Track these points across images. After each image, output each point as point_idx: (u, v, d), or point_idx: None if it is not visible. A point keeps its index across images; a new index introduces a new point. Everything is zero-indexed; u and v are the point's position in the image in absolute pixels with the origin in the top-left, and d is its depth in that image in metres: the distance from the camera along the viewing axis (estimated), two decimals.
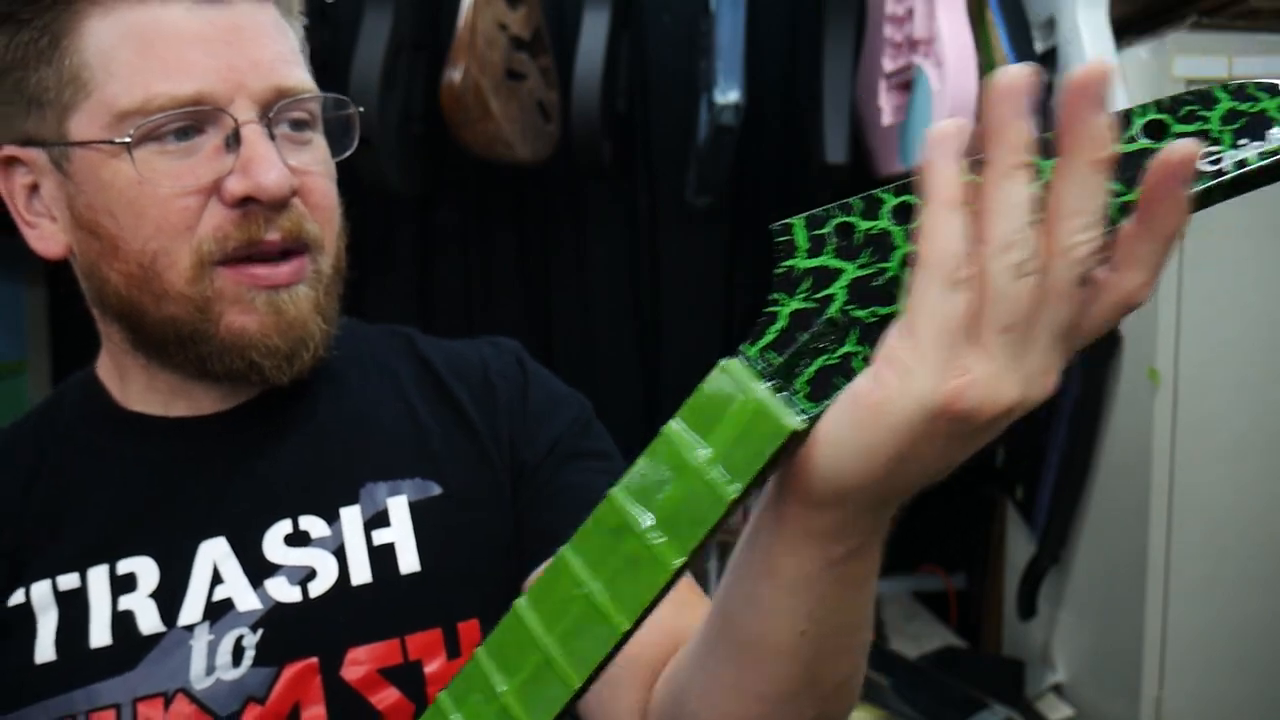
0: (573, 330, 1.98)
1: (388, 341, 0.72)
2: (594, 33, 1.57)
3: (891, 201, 0.39)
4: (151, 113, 0.54)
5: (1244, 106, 0.37)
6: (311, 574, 0.61)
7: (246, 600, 0.59)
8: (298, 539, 0.61)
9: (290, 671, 0.58)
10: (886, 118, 1.62)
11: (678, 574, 0.39)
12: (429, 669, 0.60)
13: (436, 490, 0.63)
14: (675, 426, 0.39)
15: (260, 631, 0.59)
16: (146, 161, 0.55)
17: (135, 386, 0.65)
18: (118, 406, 0.65)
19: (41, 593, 0.59)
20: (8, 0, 0.56)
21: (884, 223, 0.39)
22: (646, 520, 0.39)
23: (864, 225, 0.39)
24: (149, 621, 0.59)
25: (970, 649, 1.86)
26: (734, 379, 0.39)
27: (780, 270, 0.40)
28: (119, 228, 0.57)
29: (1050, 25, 1.54)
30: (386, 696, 0.59)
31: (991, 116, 0.34)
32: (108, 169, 0.56)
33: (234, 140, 0.56)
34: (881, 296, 0.38)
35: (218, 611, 0.59)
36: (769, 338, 0.39)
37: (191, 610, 0.59)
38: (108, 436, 0.64)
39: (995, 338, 0.34)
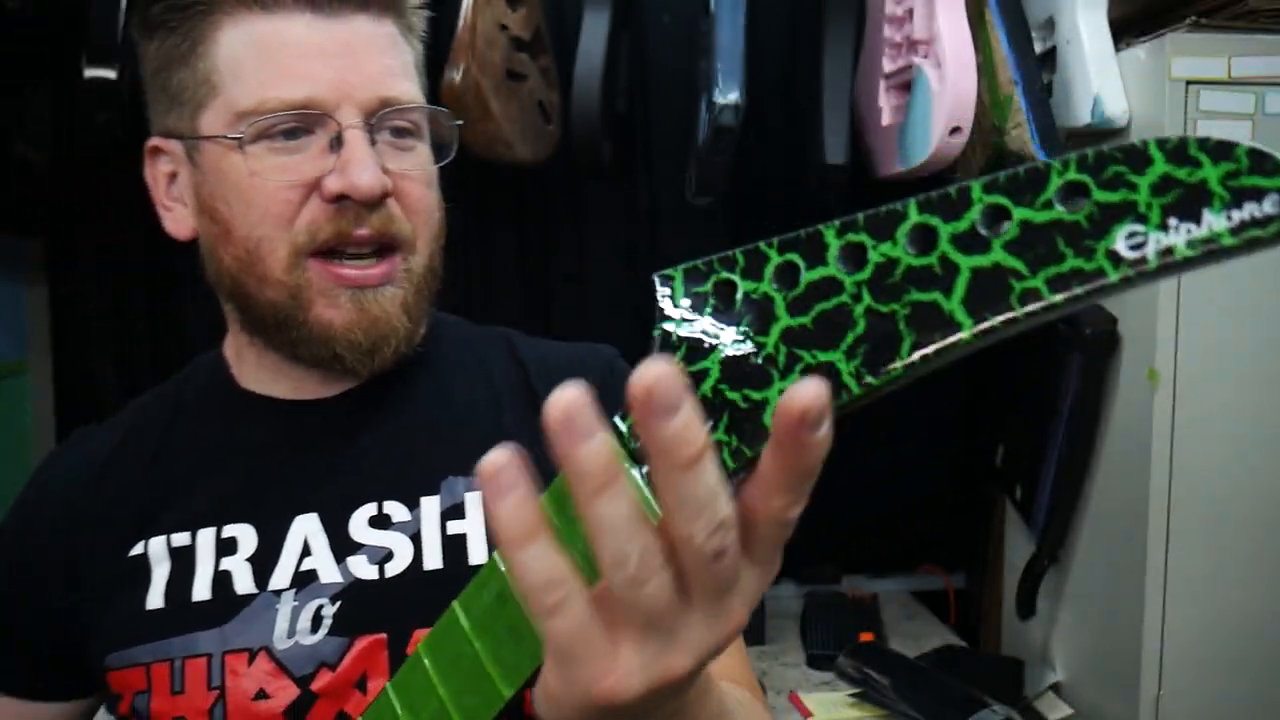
0: (573, 330, 1.98)
1: (490, 342, 0.78)
2: (594, 33, 1.57)
3: (775, 260, 0.35)
4: (265, 113, 0.61)
5: (1180, 173, 0.29)
6: (389, 555, 0.66)
7: (329, 573, 0.65)
8: (380, 521, 0.67)
9: (361, 644, 0.64)
10: (886, 118, 1.62)
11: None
12: None
13: None
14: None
15: (338, 604, 0.64)
16: (257, 156, 0.62)
17: (248, 366, 0.73)
18: (235, 384, 0.73)
19: (158, 548, 0.67)
20: (161, 9, 0.64)
21: (766, 286, 0.35)
22: None
23: (746, 286, 0.36)
24: (244, 583, 0.65)
25: (969, 648, 1.86)
26: None
27: (655, 332, 0.36)
28: (231, 214, 0.63)
29: (1050, 25, 1.54)
30: None
31: (557, 447, 0.32)
32: (226, 161, 0.63)
33: (337, 142, 0.62)
34: (755, 379, 0.34)
35: (303, 581, 0.65)
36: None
37: (281, 577, 0.65)
38: (225, 413, 0.72)
39: (639, 633, 0.33)
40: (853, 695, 1.56)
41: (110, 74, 1.46)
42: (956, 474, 2.04)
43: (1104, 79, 1.45)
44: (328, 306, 0.64)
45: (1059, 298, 0.31)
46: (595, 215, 1.95)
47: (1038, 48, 1.54)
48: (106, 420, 0.76)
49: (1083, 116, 1.46)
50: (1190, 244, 0.28)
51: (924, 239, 0.34)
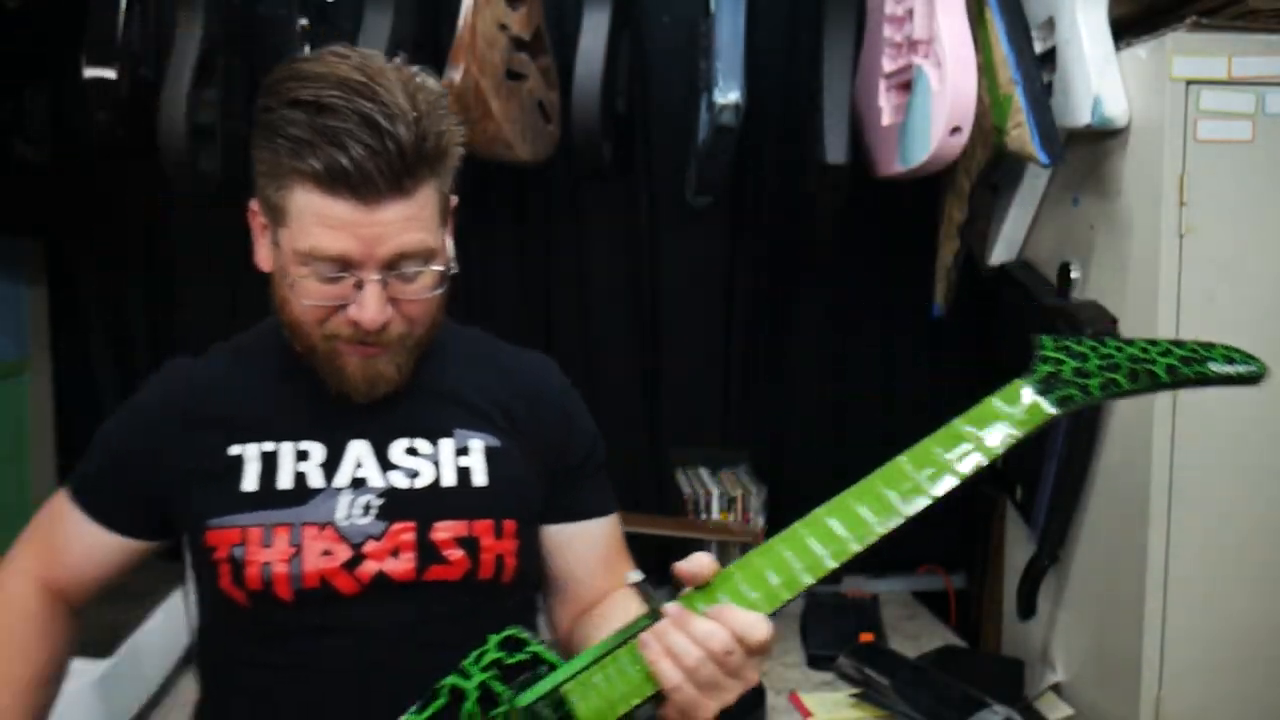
0: (573, 329, 1.98)
1: (489, 347, 1.09)
2: (594, 33, 1.57)
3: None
4: (313, 259, 0.86)
5: None
6: (416, 473, 0.95)
7: (375, 480, 0.94)
8: (411, 451, 0.96)
9: (395, 527, 0.93)
10: (886, 118, 1.62)
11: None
12: (483, 541, 0.94)
13: (497, 444, 0.99)
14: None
15: (381, 500, 0.94)
16: (304, 282, 0.88)
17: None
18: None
19: (252, 451, 0.95)
20: (266, 153, 0.86)
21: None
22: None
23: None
24: (316, 480, 0.94)
25: (970, 649, 1.86)
26: None
27: None
28: (287, 295, 0.90)
29: (1050, 25, 1.54)
30: (454, 554, 0.94)
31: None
32: (286, 261, 0.89)
33: (359, 286, 0.87)
34: None
35: (358, 483, 0.94)
36: None
37: (341, 478, 0.94)
38: (301, 365, 0.96)
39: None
40: (853, 695, 1.56)
41: (110, 74, 1.46)
42: None
43: (1104, 79, 1.45)
44: (344, 363, 0.92)
45: None
46: (595, 215, 1.95)
47: (1038, 48, 1.54)
48: (201, 356, 1.04)
49: (1083, 116, 1.46)
50: None
51: None
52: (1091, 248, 1.57)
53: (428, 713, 0.75)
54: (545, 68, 1.63)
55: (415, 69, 0.88)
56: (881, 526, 0.73)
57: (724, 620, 0.71)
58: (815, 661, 1.73)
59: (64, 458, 1.93)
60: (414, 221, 0.86)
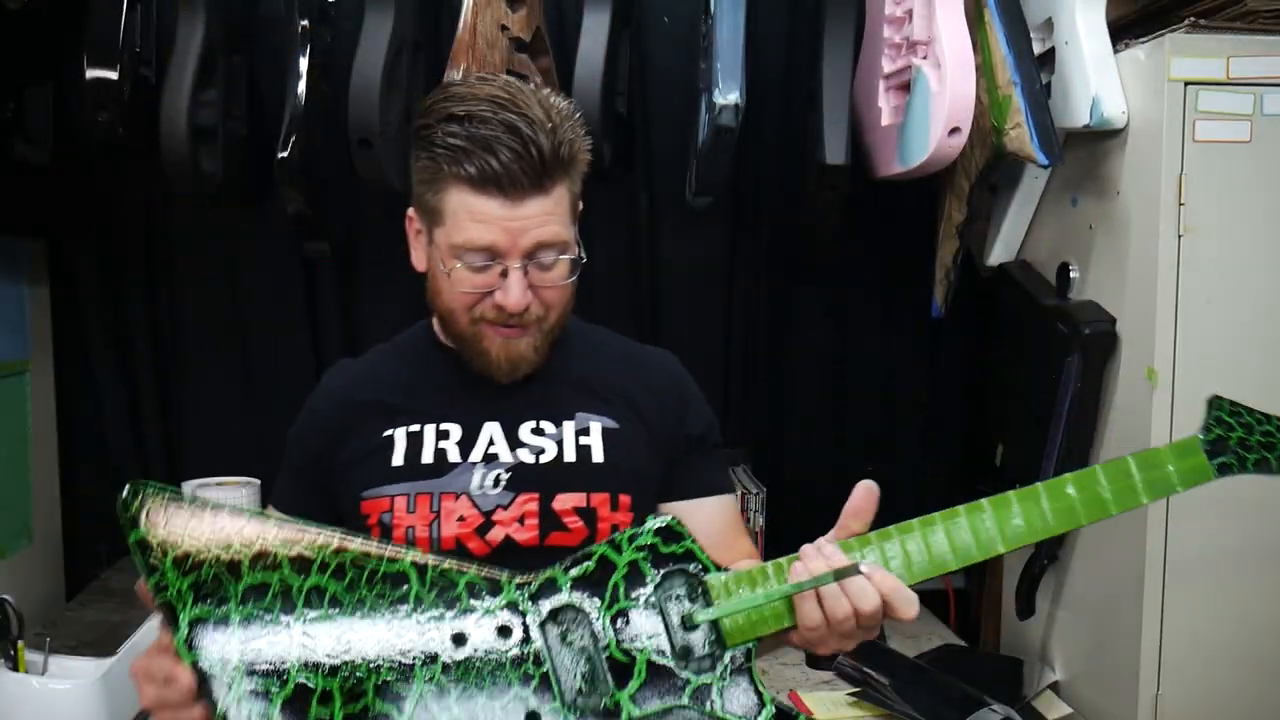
0: None
1: (614, 340, 1.21)
2: (594, 33, 1.57)
3: None
4: (462, 250, 1.00)
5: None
6: (542, 450, 1.07)
7: (506, 456, 1.06)
8: (538, 431, 1.08)
9: (522, 498, 1.05)
10: (886, 118, 1.62)
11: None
12: (600, 512, 1.05)
13: (615, 426, 1.10)
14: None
15: (510, 474, 1.05)
16: (457, 272, 1.02)
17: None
18: (441, 341, 1.15)
19: (400, 433, 1.08)
20: (426, 163, 1.02)
21: None
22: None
23: None
24: (454, 456, 1.06)
25: (969, 648, 1.87)
26: None
27: None
28: (440, 288, 1.05)
29: (1049, 26, 1.54)
30: (574, 523, 1.04)
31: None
32: (442, 259, 1.03)
33: (504, 274, 1.01)
34: None
35: (490, 459, 1.06)
36: None
37: (476, 454, 1.06)
38: (440, 359, 1.13)
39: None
40: (853, 695, 1.57)
41: (110, 74, 1.46)
42: (956, 474, 2.04)
43: (1103, 79, 1.45)
44: (488, 345, 1.05)
45: None
46: (595, 215, 1.95)
47: (1037, 48, 1.54)
48: (360, 356, 1.21)
49: (1081, 117, 1.47)
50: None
51: None
52: (1090, 248, 1.57)
53: (574, 572, 0.78)
54: (545, 68, 1.63)
55: (547, 90, 1.05)
56: (1030, 536, 0.85)
57: (879, 584, 0.78)
58: (815, 661, 1.73)
59: (65, 458, 1.93)
60: (551, 216, 1.00)
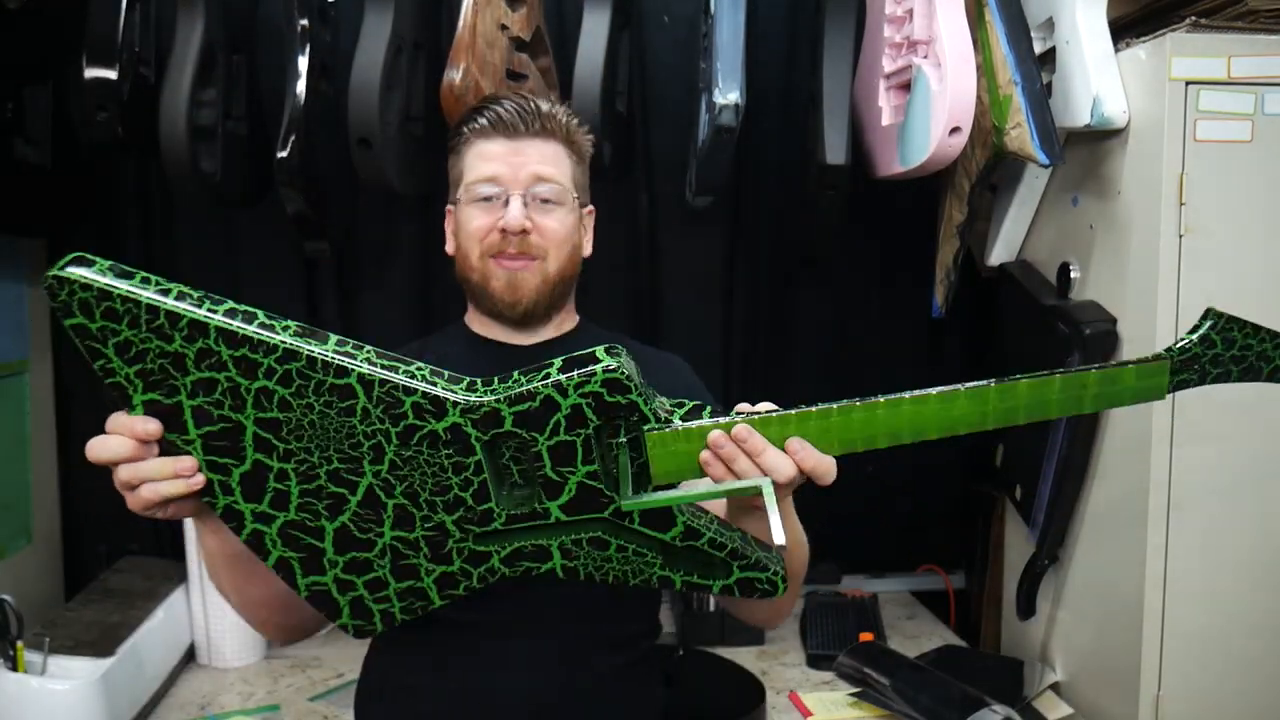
0: None
1: (629, 344, 1.21)
2: (594, 33, 1.57)
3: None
4: (473, 185, 1.17)
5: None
6: None
7: None
8: None
9: None
10: (886, 118, 1.62)
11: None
12: None
13: None
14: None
15: None
16: (467, 208, 1.18)
17: (477, 321, 1.26)
18: (471, 331, 1.26)
19: None
20: (453, 140, 1.22)
21: None
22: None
23: None
24: None
25: (969, 648, 1.86)
26: None
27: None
28: (458, 236, 1.21)
29: (1049, 25, 1.54)
30: None
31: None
32: (460, 212, 1.20)
33: (506, 202, 1.16)
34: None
35: None
36: None
37: None
38: (469, 347, 1.24)
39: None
40: (853, 695, 1.57)
41: (110, 74, 1.46)
42: (956, 474, 2.04)
43: (1103, 79, 1.45)
44: (495, 280, 1.18)
45: None
46: (595, 215, 1.95)
47: (1037, 48, 1.54)
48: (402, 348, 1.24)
49: (1082, 116, 1.46)
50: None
51: None
52: (1091, 248, 1.57)
53: (518, 408, 0.80)
54: (545, 68, 1.63)
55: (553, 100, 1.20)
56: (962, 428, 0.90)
57: (800, 461, 0.91)
58: (815, 661, 1.73)
59: (64, 457, 1.93)
60: (548, 160, 1.17)
